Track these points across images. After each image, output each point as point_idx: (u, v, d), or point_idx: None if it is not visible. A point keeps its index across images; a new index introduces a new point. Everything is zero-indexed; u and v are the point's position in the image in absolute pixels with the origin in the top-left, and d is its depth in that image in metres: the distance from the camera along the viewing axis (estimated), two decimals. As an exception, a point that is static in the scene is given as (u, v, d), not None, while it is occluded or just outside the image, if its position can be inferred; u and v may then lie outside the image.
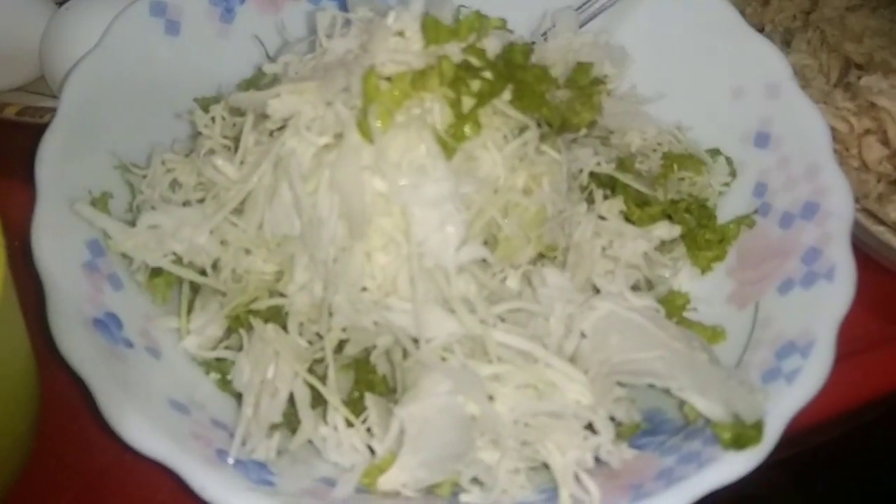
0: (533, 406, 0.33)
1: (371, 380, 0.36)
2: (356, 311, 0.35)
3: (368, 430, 0.35)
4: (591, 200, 0.41)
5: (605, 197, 0.41)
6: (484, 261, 0.36)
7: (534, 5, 0.48)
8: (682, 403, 0.35)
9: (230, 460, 0.33)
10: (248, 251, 0.38)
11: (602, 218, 0.40)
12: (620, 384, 0.35)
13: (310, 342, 0.37)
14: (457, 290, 0.35)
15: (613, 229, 0.40)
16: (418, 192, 0.34)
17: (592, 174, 0.41)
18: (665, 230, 0.41)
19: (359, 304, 0.35)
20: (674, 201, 0.42)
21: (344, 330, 0.36)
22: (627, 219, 0.41)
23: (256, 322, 0.36)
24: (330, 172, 0.35)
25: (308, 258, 0.36)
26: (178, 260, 0.38)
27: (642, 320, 0.35)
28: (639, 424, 0.35)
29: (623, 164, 0.42)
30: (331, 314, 0.35)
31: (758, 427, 0.32)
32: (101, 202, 0.39)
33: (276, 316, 0.37)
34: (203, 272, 0.38)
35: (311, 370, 0.36)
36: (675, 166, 0.43)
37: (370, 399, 0.35)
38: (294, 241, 0.37)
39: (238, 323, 0.37)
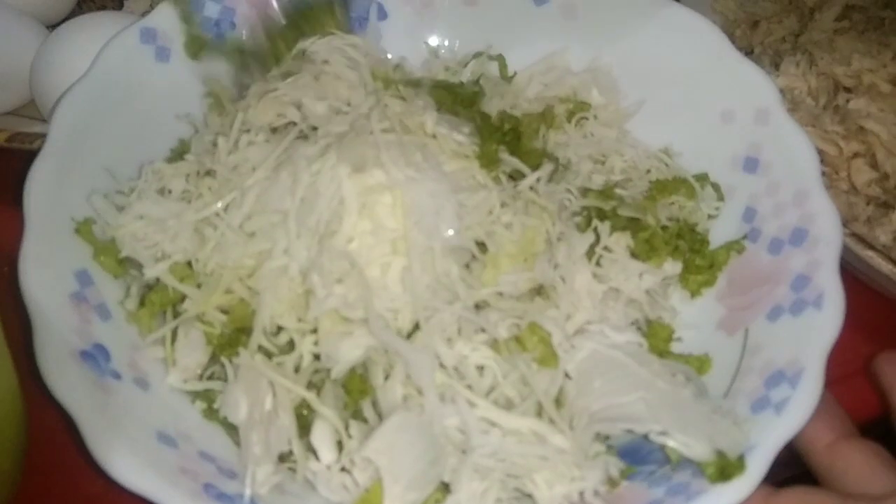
0: (517, 449, 0.33)
1: (363, 389, 0.36)
2: (338, 307, 0.35)
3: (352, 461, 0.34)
4: (591, 231, 0.41)
5: (613, 229, 0.41)
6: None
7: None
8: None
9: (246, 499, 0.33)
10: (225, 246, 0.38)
11: (608, 250, 0.40)
12: (601, 435, 0.35)
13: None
14: (443, 269, 0.36)
15: (618, 264, 0.40)
16: (416, 184, 0.37)
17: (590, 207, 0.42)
18: (670, 266, 0.41)
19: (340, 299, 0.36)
20: (664, 227, 0.42)
21: (316, 343, 0.36)
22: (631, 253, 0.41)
23: (243, 353, 0.36)
24: (335, 155, 0.37)
25: (287, 243, 0.37)
26: (166, 261, 0.38)
27: (625, 359, 0.35)
28: (625, 471, 0.35)
29: (604, 191, 0.42)
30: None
31: (741, 460, 0.32)
32: (84, 228, 0.38)
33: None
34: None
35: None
36: (664, 191, 0.43)
37: (354, 428, 0.35)
38: (278, 228, 0.38)
39: (222, 350, 0.37)
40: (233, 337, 0.37)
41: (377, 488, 0.33)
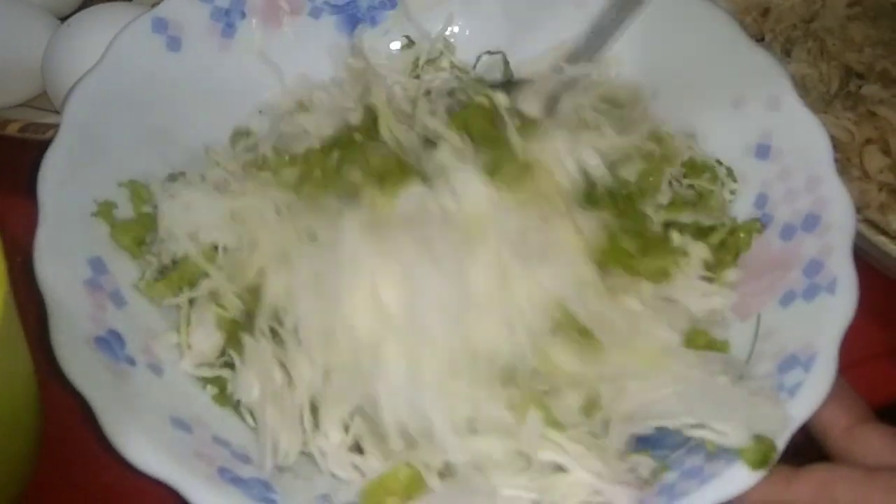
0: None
1: None
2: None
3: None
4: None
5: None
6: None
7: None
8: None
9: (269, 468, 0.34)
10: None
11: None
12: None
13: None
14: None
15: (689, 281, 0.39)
16: None
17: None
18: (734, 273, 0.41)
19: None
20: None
21: None
22: None
23: (248, 340, 0.36)
24: None
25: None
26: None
27: (658, 356, 0.35)
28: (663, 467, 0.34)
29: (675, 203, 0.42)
30: None
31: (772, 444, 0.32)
32: (105, 210, 0.39)
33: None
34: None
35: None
36: (694, 173, 0.43)
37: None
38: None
39: (232, 335, 0.37)
40: (243, 322, 0.37)
41: (395, 473, 0.33)
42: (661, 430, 0.36)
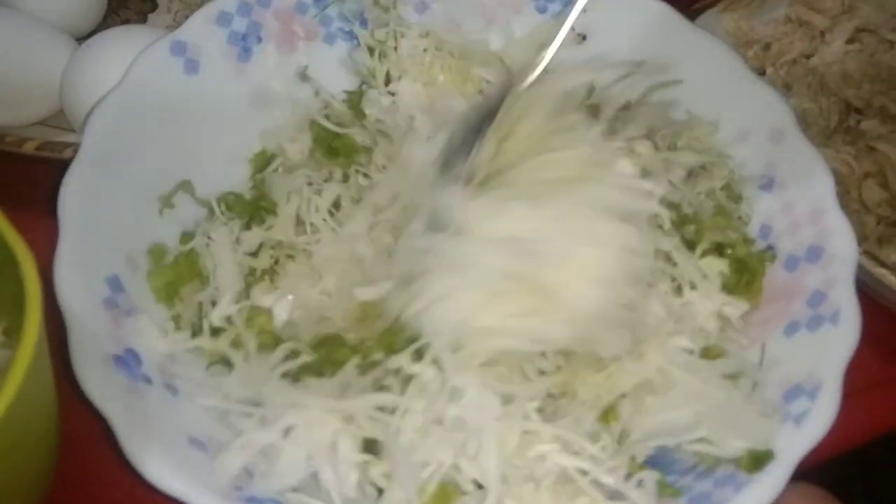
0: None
1: None
2: None
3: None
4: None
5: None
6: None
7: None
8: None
9: None
10: None
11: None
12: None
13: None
14: None
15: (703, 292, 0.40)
16: None
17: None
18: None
19: None
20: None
21: None
22: None
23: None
24: None
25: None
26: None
27: (677, 372, 0.36)
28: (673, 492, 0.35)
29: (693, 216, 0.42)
30: None
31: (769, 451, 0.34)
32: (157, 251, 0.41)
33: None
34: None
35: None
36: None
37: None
38: None
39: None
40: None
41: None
42: (668, 455, 0.37)
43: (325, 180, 0.44)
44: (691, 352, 0.38)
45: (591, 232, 0.35)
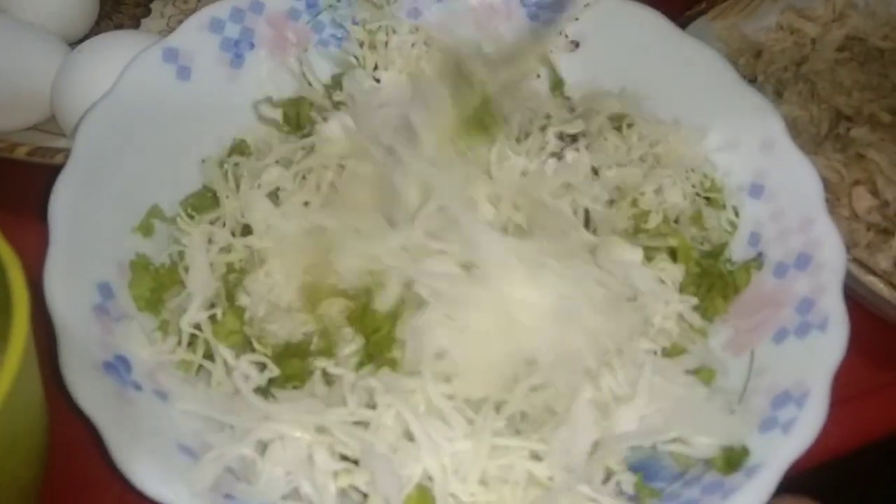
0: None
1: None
2: None
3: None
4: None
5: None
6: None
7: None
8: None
9: None
10: None
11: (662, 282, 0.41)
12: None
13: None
14: None
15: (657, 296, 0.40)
16: None
17: None
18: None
19: None
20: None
21: None
22: None
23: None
24: None
25: None
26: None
27: (642, 375, 0.36)
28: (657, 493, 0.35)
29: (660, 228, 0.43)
30: None
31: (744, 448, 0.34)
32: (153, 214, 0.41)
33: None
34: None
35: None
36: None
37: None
38: None
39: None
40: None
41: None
42: (655, 462, 0.37)
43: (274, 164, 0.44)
44: (654, 353, 0.38)
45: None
